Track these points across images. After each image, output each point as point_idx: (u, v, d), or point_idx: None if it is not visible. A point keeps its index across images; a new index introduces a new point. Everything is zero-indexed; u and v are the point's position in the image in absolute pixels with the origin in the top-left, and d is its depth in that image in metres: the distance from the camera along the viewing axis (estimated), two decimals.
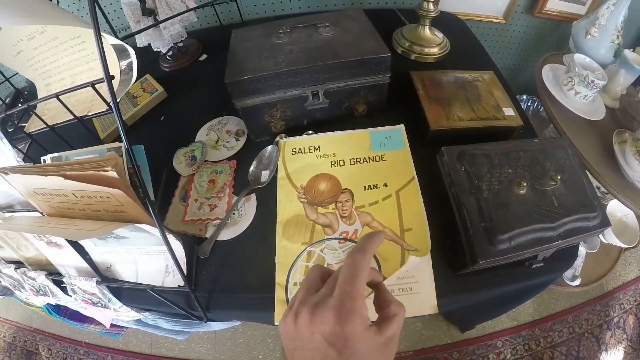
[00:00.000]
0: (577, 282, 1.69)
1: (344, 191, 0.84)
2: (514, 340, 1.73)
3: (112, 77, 0.57)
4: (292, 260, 0.76)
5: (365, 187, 0.84)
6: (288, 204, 0.84)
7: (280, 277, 0.75)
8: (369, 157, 0.88)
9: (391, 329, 0.39)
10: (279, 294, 0.73)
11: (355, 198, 0.82)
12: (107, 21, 0.96)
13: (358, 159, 0.88)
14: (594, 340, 1.76)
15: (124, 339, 1.85)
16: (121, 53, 0.74)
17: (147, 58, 1.27)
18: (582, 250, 1.58)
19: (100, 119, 1.06)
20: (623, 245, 1.46)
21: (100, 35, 0.50)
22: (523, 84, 1.86)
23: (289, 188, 0.86)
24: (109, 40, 0.72)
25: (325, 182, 0.85)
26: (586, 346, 1.74)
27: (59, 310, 1.29)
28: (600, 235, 1.49)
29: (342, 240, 0.78)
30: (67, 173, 0.59)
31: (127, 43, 0.75)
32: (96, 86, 0.72)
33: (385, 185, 0.84)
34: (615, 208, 1.52)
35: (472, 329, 1.70)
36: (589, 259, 1.70)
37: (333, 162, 0.88)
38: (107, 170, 0.59)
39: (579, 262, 1.63)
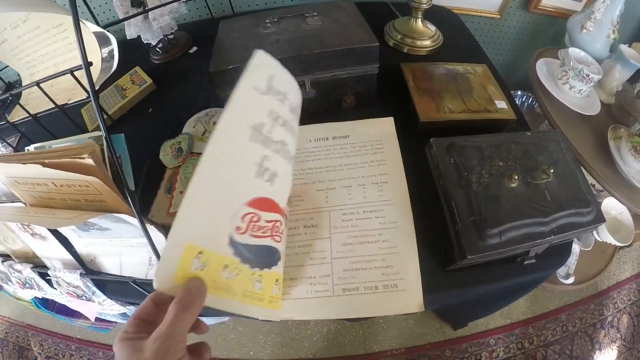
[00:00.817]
0: (570, 280, 1.68)
1: None
2: (507, 339, 1.73)
3: (90, 64, 0.56)
4: None
5: None
6: None
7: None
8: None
9: None
10: None
11: None
12: (89, 9, 0.94)
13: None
14: (588, 339, 1.76)
15: (115, 335, 1.82)
16: (103, 41, 0.73)
17: (137, 50, 1.26)
18: (576, 248, 1.57)
19: (89, 111, 1.05)
20: (618, 244, 1.45)
21: (78, 22, 0.49)
22: (518, 79, 1.86)
23: None
24: (90, 27, 0.71)
25: None
26: (580, 345, 1.74)
27: (47, 304, 1.28)
28: (595, 233, 1.47)
29: None
30: (45, 161, 0.58)
31: (116, 35, 0.74)
32: (75, 73, 0.71)
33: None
34: (610, 206, 1.50)
35: (464, 326, 1.69)
36: (583, 257, 1.69)
37: None
38: (84, 158, 0.58)
39: (572, 260, 1.62)
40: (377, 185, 0.78)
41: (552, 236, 0.69)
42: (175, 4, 1.13)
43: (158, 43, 1.23)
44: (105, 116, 0.98)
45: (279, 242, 0.61)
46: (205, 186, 0.49)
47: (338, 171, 0.81)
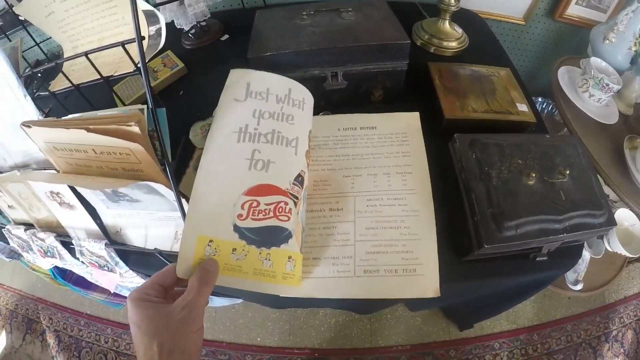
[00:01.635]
0: (579, 287, 1.68)
1: None
2: (511, 344, 1.74)
3: (143, 38, 0.59)
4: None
5: None
6: None
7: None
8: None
9: None
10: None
11: None
12: None
13: None
14: (591, 351, 1.76)
15: (125, 312, 1.83)
16: (150, 19, 0.76)
17: (170, 34, 1.26)
18: (586, 255, 1.58)
19: (121, 90, 1.08)
20: (628, 255, 1.46)
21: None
22: (539, 86, 1.86)
23: None
24: (140, 5, 0.74)
25: None
26: (583, 357, 1.74)
27: (64, 275, 1.31)
28: (606, 242, 1.48)
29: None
30: (91, 127, 0.60)
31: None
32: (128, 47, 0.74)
33: None
34: (623, 217, 1.51)
35: (471, 327, 1.70)
36: (593, 265, 1.69)
37: None
38: (131, 125, 0.60)
39: (582, 267, 1.62)
40: (401, 175, 0.80)
41: (565, 234, 0.71)
42: None
43: (191, 29, 1.27)
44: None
45: (285, 221, 0.65)
46: (205, 188, 0.64)
47: (365, 159, 0.83)
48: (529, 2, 1.50)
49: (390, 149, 0.85)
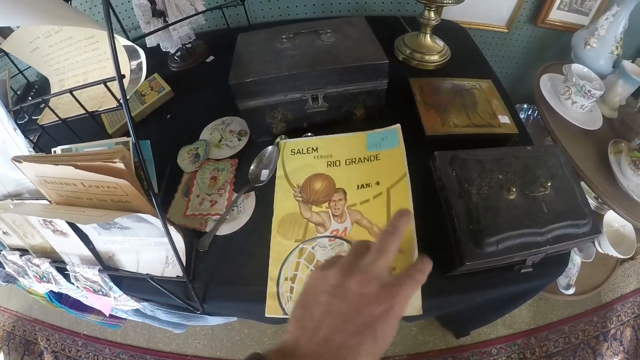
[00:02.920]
0: (571, 291, 1.69)
1: (337, 190, 0.86)
2: (509, 348, 1.74)
3: (123, 76, 0.60)
4: (284, 256, 0.79)
5: (358, 186, 0.86)
6: (284, 202, 0.87)
7: (272, 272, 0.77)
8: (364, 157, 0.90)
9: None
10: (271, 287, 0.76)
11: (348, 197, 0.85)
12: (120, 22, 0.99)
13: (353, 159, 0.90)
14: (590, 352, 1.76)
15: (122, 332, 1.88)
16: (131, 53, 0.77)
17: (156, 58, 1.29)
18: (577, 259, 1.59)
19: (108, 116, 1.09)
20: (619, 256, 1.46)
21: (113, 38, 0.53)
22: (525, 92, 1.86)
23: (286, 187, 0.89)
24: (120, 41, 0.75)
25: (320, 182, 0.88)
26: (582, 357, 1.74)
27: (60, 298, 1.32)
28: (597, 245, 1.49)
29: (332, 238, 0.80)
30: (78, 163, 0.62)
31: (136, 43, 0.78)
32: (107, 84, 0.75)
33: (377, 183, 0.86)
34: (613, 218, 1.52)
35: (467, 335, 1.71)
36: (585, 268, 1.70)
37: (329, 163, 0.91)
38: (115, 162, 0.62)
39: (574, 271, 1.63)
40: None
41: (548, 246, 0.71)
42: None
43: (177, 52, 1.28)
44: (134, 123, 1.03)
45: None
46: None
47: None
48: (511, 10, 1.52)
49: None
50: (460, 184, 0.77)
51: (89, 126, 0.89)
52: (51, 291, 1.13)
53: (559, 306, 1.86)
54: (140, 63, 0.77)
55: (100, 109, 0.84)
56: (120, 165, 0.63)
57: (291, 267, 0.77)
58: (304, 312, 0.44)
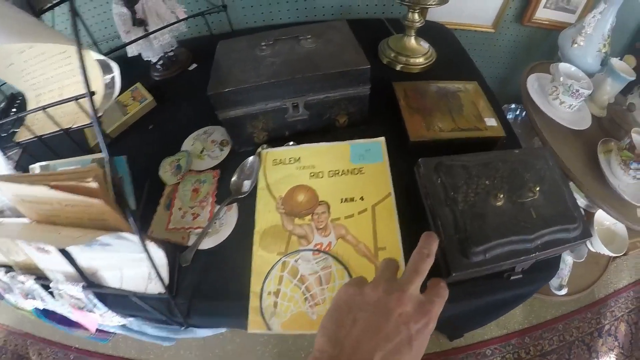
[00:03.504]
0: (563, 292, 1.69)
1: (320, 203, 0.85)
2: (503, 349, 1.73)
3: (93, 93, 0.59)
4: (267, 270, 0.77)
5: (342, 199, 0.85)
6: (266, 214, 0.85)
7: (255, 286, 0.76)
8: (348, 170, 0.89)
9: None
10: (253, 302, 0.74)
11: (332, 210, 0.83)
12: (91, 36, 0.98)
13: (337, 171, 0.89)
14: (585, 348, 1.76)
15: (113, 344, 1.86)
16: (105, 68, 0.75)
17: (138, 67, 1.28)
18: (569, 259, 1.58)
19: (90, 128, 1.07)
20: (611, 254, 1.46)
21: (82, 53, 0.52)
22: (513, 92, 1.87)
23: (268, 198, 0.87)
24: (93, 55, 0.74)
25: (303, 194, 0.86)
26: (577, 354, 1.74)
27: (48, 314, 1.30)
28: (588, 244, 1.49)
29: (316, 252, 0.78)
30: (52, 183, 0.60)
31: (118, 53, 0.76)
32: (82, 101, 0.74)
33: (361, 198, 0.84)
34: (604, 216, 1.51)
35: (461, 337, 1.70)
36: (577, 267, 1.70)
37: (312, 174, 0.89)
38: (88, 182, 0.60)
39: (565, 272, 1.62)
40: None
41: (537, 252, 0.70)
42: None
43: (158, 60, 1.27)
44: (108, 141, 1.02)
45: None
46: None
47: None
48: (497, 10, 1.51)
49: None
50: (446, 192, 0.75)
51: (68, 141, 0.87)
52: (37, 307, 1.11)
53: (552, 305, 1.85)
54: (114, 77, 0.75)
55: (74, 126, 0.82)
56: (94, 185, 0.61)
57: (274, 280, 0.76)
58: (337, 329, 0.44)
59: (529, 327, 1.80)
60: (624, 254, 1.53)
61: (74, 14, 0.53)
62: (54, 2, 0.80)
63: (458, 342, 1.73)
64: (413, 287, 0.47)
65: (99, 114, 0.61)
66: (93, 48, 0.87)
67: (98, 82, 0.75)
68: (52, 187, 0.60)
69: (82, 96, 0.73)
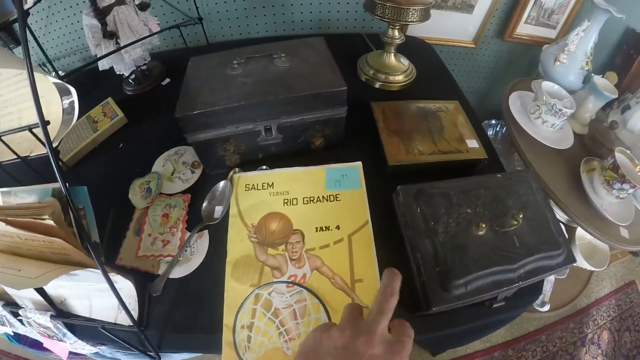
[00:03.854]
0: (546, 308, 1.70)
1: (295, 232, 0.81)
2: None
3: (48, 123, 0.55)
4: (240, 302, 0.74)
5: (317, 228, 0.81)
6: (238, 243, 0.81)
7: (227, 319, 0.72)
8: (323, 197, 0.85)
9: None
10: (227, 336, 0.71)
11: (306, 240, 0.80)
12: (46, 57, 0.93)
13: (312, 198, 0.85)
14: (569, 358, 1.78)
15: None
16: (63, 91, 0.72)
17: (110, 80, 1.25)
18: (550, 277, 1.58)
19: (67, 137, 1.05)
20: (593, 269, 1.47)
21: (34, 82, 0.48)
22: (493, 107, 1.88)
23: (240, 226, 0.83)
24: (50, 79, 0.70)
25: (276, 222, 0.83)
26: None
27: (19, 338, 1.26)
28: None
29: (290, 285, 0.75)
30: (8, 219, 0.58)
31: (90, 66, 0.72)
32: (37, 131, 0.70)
33: (337, 227, 0.81)
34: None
35: (443, 352, 1.68)
36: (559, 283, 1.71)
37: (286, 201, 0.85)
38: (45, 219, 0.58)
39: (548, 289, 1.63)
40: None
41: (521, 282, 0.68)
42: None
43: (131, 74, 1.22)
44: (63, 166, 0.99)
45: None
46: None
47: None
48: (477, 25, 1.52)
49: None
50: (426, 222, 0.73)
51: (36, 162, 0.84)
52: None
53: (535, 316, 1.86)
54: (72, 102, 0.71)
55: (32, 154, 0.78)
56: (50, 222, 0.59)
57: (247, 314, 0.72)
58: None
59: (512, 340, 1.80)
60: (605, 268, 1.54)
61: (25, 38, 0.49)
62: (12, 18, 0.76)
63: (441, 357, 1.72)
64: (380, 327, 0.47)
65: (55, 144, 0.58)
66: (47, 67, 0.83)
67: (56, 107, 0.71)
68: (9, 223, 0.58)
69: (35, 125, 0.70)
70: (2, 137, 0.72)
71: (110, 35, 1.07)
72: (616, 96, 1.20)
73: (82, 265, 0.64)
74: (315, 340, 0.48)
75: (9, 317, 0.82)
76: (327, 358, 0.44)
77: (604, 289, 2.03)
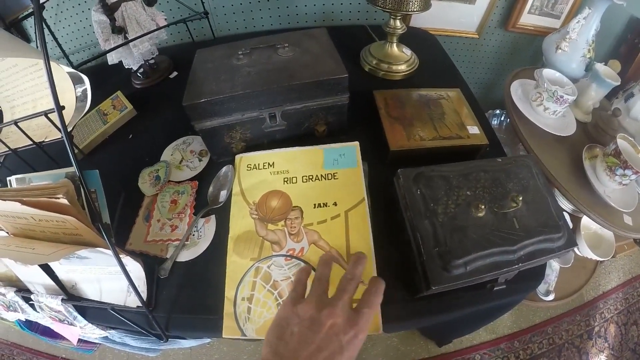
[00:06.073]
0: (551, 297, 1.68)
1: (294, 208, 0.84)
2: (492, 354, 1.73)
3: (63, 108, 0.58)
4: (240, 275, 0.77)
5: (315, 205, 0.84)
6: (240, 220, 0.84)
7: (229, 292, 0.75)
8: (321, 175, 0.88)
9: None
10: (228, 308, 0.74)
11: (305, 216, 0.83)
12: (61, 48, 0.96)
13: (310, 177, 0.88)
14: (575, 351, 1.77)
15: (101, 355, 1.83)
16: (76, 80, 0.74)
17: (120, 74, 1.27)
18: (555, 265, 1.58)
19: (78, 129, 1.07)
20: (598, 259, 1.46)
21: (49, 68, 0.51)
22: (497, 98, 1.87)
23: (242, 204, 0.86)
24: (64, 68, 0.72)
25: (276, 199, 0.85)
26: (567, 357, 1.75)
27: (31, 325, 1.28)
28: (575, 249, 1.48)
29: (288, 258, 0.78)
30: (24, 199, 0.60)
31: (99, 60, 0.74)
32: (53, 116, 0.72)
33: (335, 204, 0.83)
34: (591, 221, 1.51)
35: (449, 343, 1.69)
36: (564, 272, 1.69)
37: (286, 179, 0.88)
38: (59, 198, 0.60)
39: (552, 277, 1.62)
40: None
41: (521, 264, 0.69)
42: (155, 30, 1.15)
43: (139, 68, 1.25)
44: (79, 154, 1.02)
45: None
46: None
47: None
48: (481, 15, 1.51)
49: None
50: (426, 204, 0.74)
51: (49, 150, 0.86)
52: (20, 319, 1.10)
53: (541, 308, 1.85)
54: (85, 90, 0.74)
55: (47, 140, 0.80)
56: (64, 201, 0.61)
57: (247, 286, 0.75)
58: (278, 342, 0.51)
59: (518, 331, 1.80)
60: (612, 256, 1.53)
61: (41, 27, 0.52)
62: (24, 14, 0.79)
63: (447, 348, 1.72)
64: (342, 302, 0.54)
65: (69, 129, 0.60)
66: (62, 61, 0.86)
67: (69, 94, 0.74)
68: (25, 203, 0.60)
69: (51, 111, 0.72)
70: (18, 124, 0.75)
71: (118, 30, 1.10)
72: (619, 83, 1.20)
73: (93, 246, 0.65)
74: (285, 312, 0.55)
75: (21, 302, 0.84)
76: (295, 327, 0.52)
77: (612, 281, 2.01)
